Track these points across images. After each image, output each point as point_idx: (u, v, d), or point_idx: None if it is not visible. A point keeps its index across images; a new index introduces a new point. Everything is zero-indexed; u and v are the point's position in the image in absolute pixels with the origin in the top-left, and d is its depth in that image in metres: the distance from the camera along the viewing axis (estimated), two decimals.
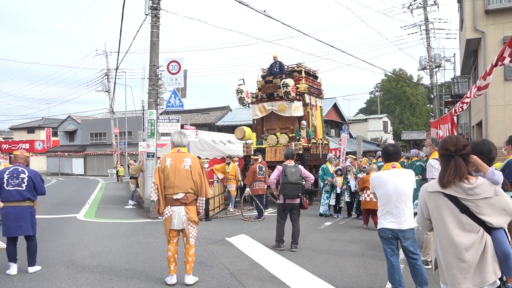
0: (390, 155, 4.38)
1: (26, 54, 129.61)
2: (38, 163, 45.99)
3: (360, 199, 9.69)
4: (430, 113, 37.66)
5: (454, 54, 26.73)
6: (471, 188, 2.40)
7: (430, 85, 25.41)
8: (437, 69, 24.83)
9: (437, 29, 24.98)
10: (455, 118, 10.23)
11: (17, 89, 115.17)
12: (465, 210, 2.41)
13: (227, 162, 12.32)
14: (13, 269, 5.59)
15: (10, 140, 54.16)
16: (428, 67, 24.28)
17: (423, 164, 9.16)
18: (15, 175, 5.64)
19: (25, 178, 5.65)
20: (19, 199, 5.63)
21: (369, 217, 9.16)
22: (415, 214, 3.65)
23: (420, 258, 4.28)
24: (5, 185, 5.61)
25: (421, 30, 24.46)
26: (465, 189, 2.41)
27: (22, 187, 5.63)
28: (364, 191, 9.22)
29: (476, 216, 2.39)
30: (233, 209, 11.75)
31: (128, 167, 21.64)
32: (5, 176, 5.63)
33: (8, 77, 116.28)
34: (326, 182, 10.99)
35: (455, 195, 2.43)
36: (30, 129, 54.75)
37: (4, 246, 6.32)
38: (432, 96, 25.40)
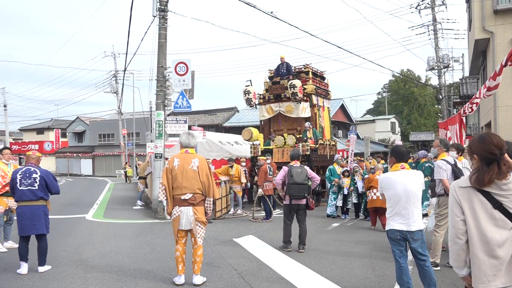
0: (402, 155, 4.37)
1: (35, 56, 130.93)
2: (47, 164, 46.36)
3: (367, 199, 9.67)
4: (439, 114, 37.43)
5: (463, 54, 26.50)
6: (506, 183, 2.36)
7: (438, 86, 25.24)
8: (445, 69, 24.66)
9: (445, 29, 24.64)
10: (463, 119, 10.15)
11: (27, 91, 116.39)
12: (498, 205, 2.38)
13: (230, 165, 12.32)
14: (23, 268, 5.66)
15: (20, 141, 54.71)
16: (436, 67, 24.12)
17: (432, 166, 9.12)
18: (27, 175, 5.73)
19: (37, 177, 5.74)
20: (33, 199, 5.71)
21: (376, 217, 9.13)
22: (424, 215, 3.64)
23: (428, 259, 4.26)
24: (18, 185, 5.70)
25: (429, 31, 24.33)
26: (499, 185, 2.38)
27: (35, 186, 5.71)
28: (370, 190, 9.20)
29: (508, 212, 2.37)
30: (241, 211, 11.74)
31: (136, 168, 21.76)
32: (18, 176, 5.72)
33: (18, 79, 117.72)
34: (333, 183, 10.98)
35: (488, 190, 2.40)
36: (40, 130, 55.26)
37: (16, 245, 6.41)
38: (441, 96, 25.23)
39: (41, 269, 5.73)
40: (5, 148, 7.66)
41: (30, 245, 5.80)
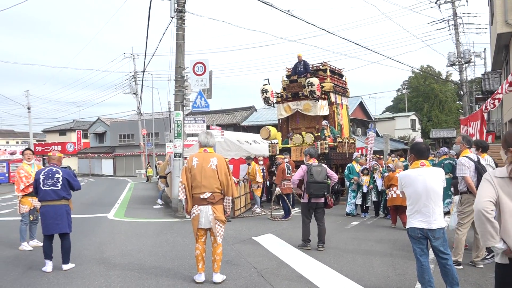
0: (422, 152, 4.31)
1: (57, 59, 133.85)
2: (70, 164, 47.34)
3: (387, 197, 9.56)
4: (460, 110, 36.70)
5: (485, 49, 25.95)
6: None
7: (459, 82, 24.75)
8: (466, 65, 24.16)
9: (466, 24, 24.27)
10: (485, 115, 9.94)
11: (49, 93, 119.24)
12: None
13: (248, 163, 12.37)
14: (48, 266, 5.80)
15: (43, 142, 55.99)
16: (457, 63, 23.66)
17: (453, 162, 8.96)
18: (50, 175, 5.87)
19: (59, 178, 5.87)
20: (55, 198, 5.85)
21: (397, 216, 9.02)
22: (445, 213, 3.59)
23: (450, 258, 4.19)
24: (41, 185, 5.85)
25: (449, 26, 23.89)
26: None
27: (58, 186, 5.85)
28: (390, 188, 9.10)
29: None
30: (260, 209, 11.76)
31: (156, 167, 22.02)
32: (41, 177, 5.87)
33: (41, 82, 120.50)
34: (352, 181, 10.90)
35: None
36: (62, 132, 56.49)
37: (41, 244, 6.58)
38: (462, 92, 24.75)
39: (65, 267, 5.86)
40: (26, 149, 7.89)
41: (54, 244, 5.95)
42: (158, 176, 17.35)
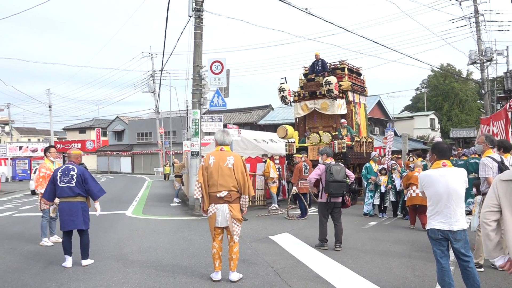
0: (444, 152, 4.21)
1: (77, 58, 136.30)
2: (89, 162, 48.15)
3: (405, 198, 9.43)
4: (481, 110, 35.93)
5: (507, 47, 25.29)
6: None
7: (480, 80, 24.21)
8: (488, 63, 23.59)
9: (488, 21, 23.54)
10: (509, 114, 9.70)
11: (70, 92, 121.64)
12: None
13: (263, 160, 12.48)
14: (68, 261, 5.90)
15: (63, 140, 57.08)
16: (478, 61, 23.13)
17: (479, 161, 8.82)
18: (66, 172, 5.99)
19: (74, 175, 5.97)
20: (71, 195, 5.94)
21: (415, 216, 8.89)
22: (467, 213, 3.51)
23: (472, 260, 4.09)
24: (58, 182, 5.97)
25: (470, 23, 23.34)
26: None
27: (72, 183, 5.94)
28: (409, 188, 8.98)
29: None
30: (276, 206, 11.76)
31: (173, 165, 22.21)
32: (58, 174, 6.00)
33: (62, 80, 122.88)
34: (369, 181, 10.79)
35: None
36: (82, 130, 57.48)
37: (60, 240, 6.69)
38: (483, 91, 24.20)
39: (84, 262, 5.96)
40: (51, 146, 8.03)
41: (74, 239, 6.04)
42: (174, 175, 17.51)
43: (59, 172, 6.01)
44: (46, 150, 7.86)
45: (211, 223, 5.09)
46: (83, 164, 6.86)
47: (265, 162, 12.43)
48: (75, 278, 5.35)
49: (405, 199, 9.40)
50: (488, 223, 2.46)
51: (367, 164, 11.16)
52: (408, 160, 12.13)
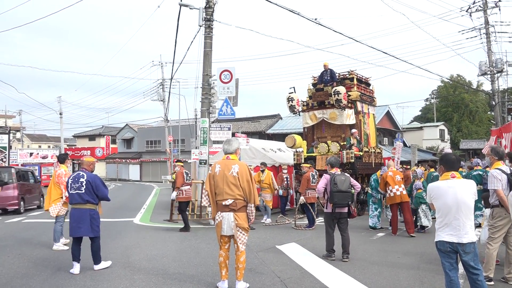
0: (452, 163, 4.18)
1: (89, 66, 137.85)
2: (98, 169, 48.38)
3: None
4: (492, 121, 35.61)
5: None
6: None
7: (491, 92, 24.04)
8: (499, 74, 23.44)
9: (498, 32, 23.42)
10: None
11: (80, 99, 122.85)
12: None
13: (261, 169, 11.93)
14: (75, 268, 5.93)
15: (73, 147, 57.59)
16: (489, 72, 22.98)
17: (483, 174, 8.76)
18: (76, 179, 6.05)
19: (83, 181, 6.01)
20: (80, 202, 6.01)
21: (397, 220, 9.39)
22: (476, 226, 3.47)
23: (481, 273, 4.04)
24: (69, 188, 6.07)
25: (481, 34, 23.23)
26: None
27: (82, 190, 5.99)
28: (387, 188, 9.44)
29: None
30: (269, 221, 11.46)
31: None
32: (70, 181, 6.11)
33: (73, 88, 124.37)
34: (369, 193, 10.69)
35: None
36: (91, 137, 57.95)
37: (67, 241, 6.77)
38: (494, 103, 24.02)
39: (96, 267, 6.06)
40: (66, 154, 8.30)
41: (85, 246, 6.08)
42: None
43: (70, 179, 6.10)
44: (66, 157, 8.37)
45: (217, 231, 5.10)
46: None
47: (263, 171, 11.77)
48: (82, 284, 5.38)
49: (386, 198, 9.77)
50: None
51: (375, 177, 10.83)
52: (426, 170, 12.09)
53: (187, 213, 10.37)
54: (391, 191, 9.34)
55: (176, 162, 10.84)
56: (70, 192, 6.04)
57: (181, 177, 10.05)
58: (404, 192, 9.35)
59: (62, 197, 7.74)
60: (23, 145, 57.06)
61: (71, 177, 6.14)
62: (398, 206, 9.39)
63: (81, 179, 6.02)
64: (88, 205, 6.04)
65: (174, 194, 10.14)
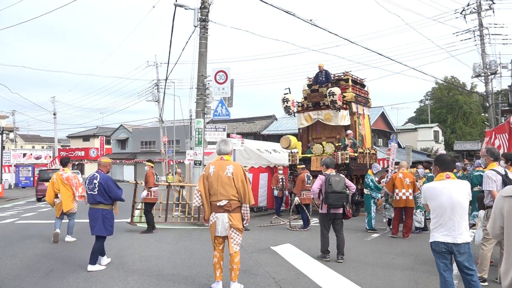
0: (447, 164, 4.19)
1: (83, 67, 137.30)
2: (92, 170, 48.22)
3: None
4: (485, 123, 35.83)
5: None
6: None
7: (485, 93, 24.20)
8: (492, 76, 23.59)
9: (492, 34, 23.60)
10: None
11: (75, 100, 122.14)
12: None
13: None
14: (103, 260, 6.40)
15: (67, 147, 57.26)
16: (482, 74, 23.13)
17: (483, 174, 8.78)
18: (91, 180, 6.27)
19: (96, 183, 6.21)
20: (93, 202, 6.27)
21: (399, 223, 9.29)
22: (471, 226, 3.47)
23: (476, 274, 4.05)
24: (86, 189, 6.32)
25: (475, 36, 23.40)
26: None
27: (95, 191, 6.21)
28: (394, 191, 9.35)
29: None
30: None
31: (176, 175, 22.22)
32: (86, 181, 6.34)
33: (67, 88, 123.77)
34: (368, 194, 10.55)
35: None
36: (86, 138, 57.61)
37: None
38: (488, 104, 24.17)
39: (90, 267, 6.09)
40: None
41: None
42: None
43: (87, 180, 6.33)
44: (68, 161, 9.02)
45: (212, 232, 5.07)
46: None
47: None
48: (75, 286, 5.33)
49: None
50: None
51: (371, 177, 10.63)
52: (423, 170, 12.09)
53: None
54: (397, 194, 9.18)
55: (146, 161, 10.97)
56: (88, 192, 6.30)
57: (153, 176, 10.29)
58: (411, 197, 9.16)
59: (74, 196, 8.52)
60: (17, 145, 56.60)
61: (87, 178, 6.36)
62: (401, 209, 9.29)
63: (95, 181, 6.23)
64: (100, 205, 6.25)
65: (144, 193, 10.28)
